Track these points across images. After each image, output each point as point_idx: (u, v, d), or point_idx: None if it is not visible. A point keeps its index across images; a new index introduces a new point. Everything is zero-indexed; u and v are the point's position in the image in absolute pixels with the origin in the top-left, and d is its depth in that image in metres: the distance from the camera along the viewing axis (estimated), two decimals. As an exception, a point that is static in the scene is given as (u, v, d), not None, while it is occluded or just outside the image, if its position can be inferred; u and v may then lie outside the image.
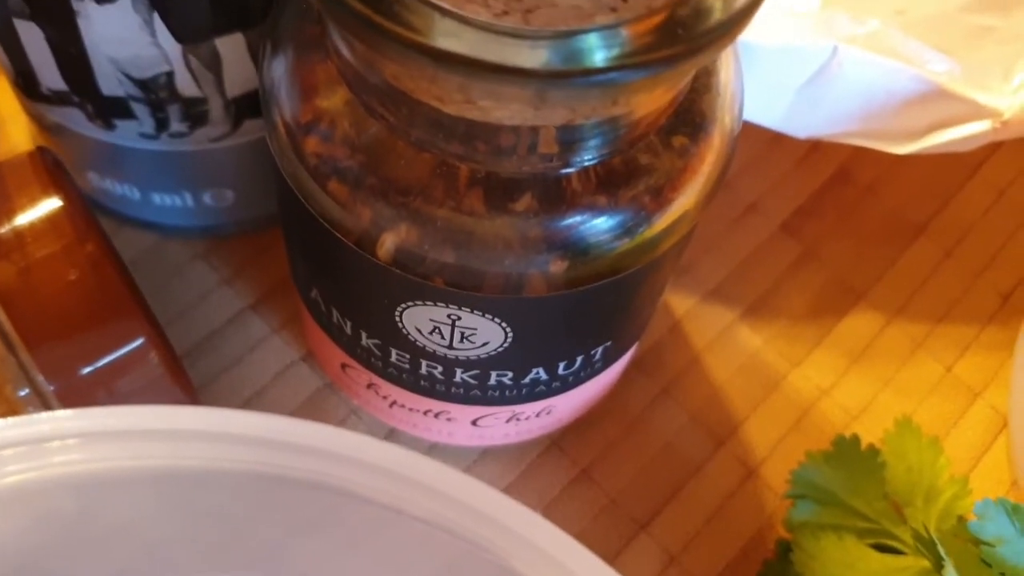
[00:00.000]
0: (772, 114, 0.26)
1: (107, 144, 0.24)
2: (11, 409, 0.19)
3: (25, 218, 0.19)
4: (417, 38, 0.14)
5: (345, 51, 0.17)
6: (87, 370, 0.19)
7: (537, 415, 0.24)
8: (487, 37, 0.14)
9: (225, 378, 0.25)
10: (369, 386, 0.24)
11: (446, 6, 0.14)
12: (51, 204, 0.20)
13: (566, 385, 0.22)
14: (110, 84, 0.22)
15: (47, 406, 0.19)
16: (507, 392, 0.22)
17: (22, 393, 0.19)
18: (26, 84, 0.23)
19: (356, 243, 0.18)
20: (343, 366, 0.24)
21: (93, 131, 0.24)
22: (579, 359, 0.21)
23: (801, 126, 0.26)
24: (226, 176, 0.25)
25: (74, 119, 0.24)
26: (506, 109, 0.16)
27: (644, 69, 0.14)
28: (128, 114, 0.23)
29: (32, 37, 0.21)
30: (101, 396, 0.19)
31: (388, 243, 0.18)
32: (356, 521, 0.17)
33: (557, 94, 0.15)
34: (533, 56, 0.14)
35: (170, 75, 0.22)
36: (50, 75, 0.22)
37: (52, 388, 0.19)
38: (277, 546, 0.19)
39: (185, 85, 0.22)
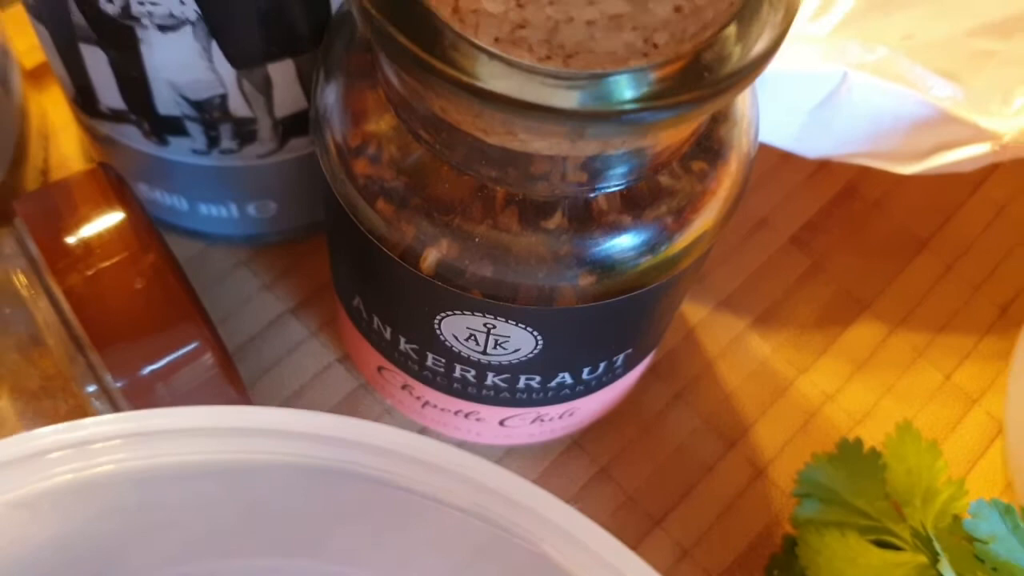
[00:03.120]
0: (785, 135, 0.27)
1: (159, 158, 0.26)
2: (79, 404, 0.21)
3: (93, 230, 0.21)
4: (468, 80, 0.16)
5: (395, 83, 0.19)
6: (149, 369, 0.21)
7: (560, 416, 0.25)
8: (531, 79, 0.16)
9: (267, 378, 0.27)
10: (403, 387, 0.25)
11: (494, 50, 0.16)
12: (116, 217, 0.21)
13: (589, 389, 0.24)
14: (167, 105, 0.24)
15: (112, 403, 0.21)
16: (534, 395, 0.24)
17: (90, 390, 0.21)
18: (84, 102, 0.25)
19: (401, 256, 0.20)
20: (379, 368, 0.25)
21: (147, 146, 0.25)
22: (602, 365, 0.23)
23: (812, 147, 0.27)
24: (270, 189, 0.27)
25: (129, 135, 0.25)
26: (544, 141, 0.17)
27: (672, 109, 0.16)
28: (182, 132, 0.24)
29: (96, 60, 0.23)
30: (161, 393, 0.21)
31: (431, 257, 0.20)
32: (392, 510, 0.19)
33: (592, 130, 0.16)
34: (572, 97, 0.16)
35: (224, 97, 0.23)
36: (110, 95, 0.24)
37: (118, 386, 0.21)
38: (317, 534, 0.21)
39: (237, 106, 0.24)
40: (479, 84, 0.15)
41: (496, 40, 0.16)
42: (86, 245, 0.21)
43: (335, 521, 0.20)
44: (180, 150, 0.25)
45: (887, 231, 0.31)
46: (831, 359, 0.29)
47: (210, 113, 0.24)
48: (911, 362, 0.29)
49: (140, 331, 0.21)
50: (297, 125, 0.25)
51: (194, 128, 0.24)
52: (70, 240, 0.21)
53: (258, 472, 0.18)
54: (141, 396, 0.21)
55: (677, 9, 0.15)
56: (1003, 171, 0.32)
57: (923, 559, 0.25)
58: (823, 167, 0.32)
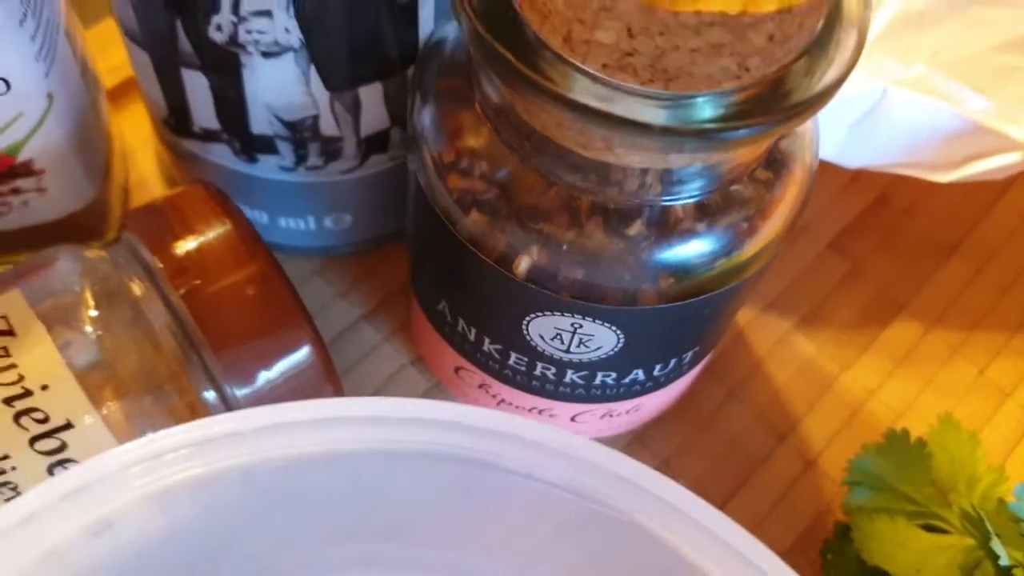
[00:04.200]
0: (828, 147, 0.29)
1: (246, 175, 0.27)
2: (193, 404, 0.22)
3: (205, 242, 0.23)
4: (579, 99, 0.17)
5: (495, 101, 0.20)
6: (261, 370, 0.22)
7: (627, 412, 0.27)
8: (633, 100, 0.17)
9: (345, 380, 0.29)
10: (480, 386, 0.27)
11: (601, 75, 0.17)
12: (224, 229, 0.23)
13: (657, 385, 0.26)
14: (261, 125, 0.25)
15: (225, 402, 0.22)
16: (608, 391, 0.25)
17: (204, 390, 0.22)
18: (178, 123, 0.27)
19: (496, 262, 0.22)
20: (456, 369, 0.27)
21: (236, 164, 0.27)
22: (672, 362, 0.25)
23: (854, 158, 0.29)
24: (347, 203, 0.29)
25: (218, 153, 0.27)
26: (639, 155, 0.19)
27: (759, 126, 0.18)
28: (272, 150, 0.26)
29: (196, 84, 0.25)
30: (271, 392, 0.22)
31: (523, 263, 0.22)
32: (486, 489, 0.20)
33: (688, 146, 0.18)
34: (669, 115, 0.17)
35: (315, 118, 0.25)
36: (205, 116, 0.26)
37: (231, 388, 0.22)
38: (410, 517, 0.22)
39: (327, 126, 0.25)
40: (594, 105, 0.17)
41: (604, 66, 0.17)
42: (199, 254, 0.22)
43: (427, 505, 0.21)
44: (268, 167, 0.27)
45: (919, 236, 0.33)
46: (872, 356, 0.31)
47: (301, 133, 0.25)
48: (947, 359, 0.31)
49: (252, 334, 0.22)
50: (378, 143, 0.27)
51: (284, 146, 0.26)
52: (184, 250, 0.22)
53: (359, 458, 0.19)
54: (252, 395, 0.22)
55: (770, 38, 0.17)
56: (1026, 178, 0.34)
57: (969, 541, 0.26)
58: (857, 177, 0.34)
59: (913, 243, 0.33)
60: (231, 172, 0.27)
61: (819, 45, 0.18)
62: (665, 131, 0.18)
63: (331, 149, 0.26)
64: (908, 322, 0.32)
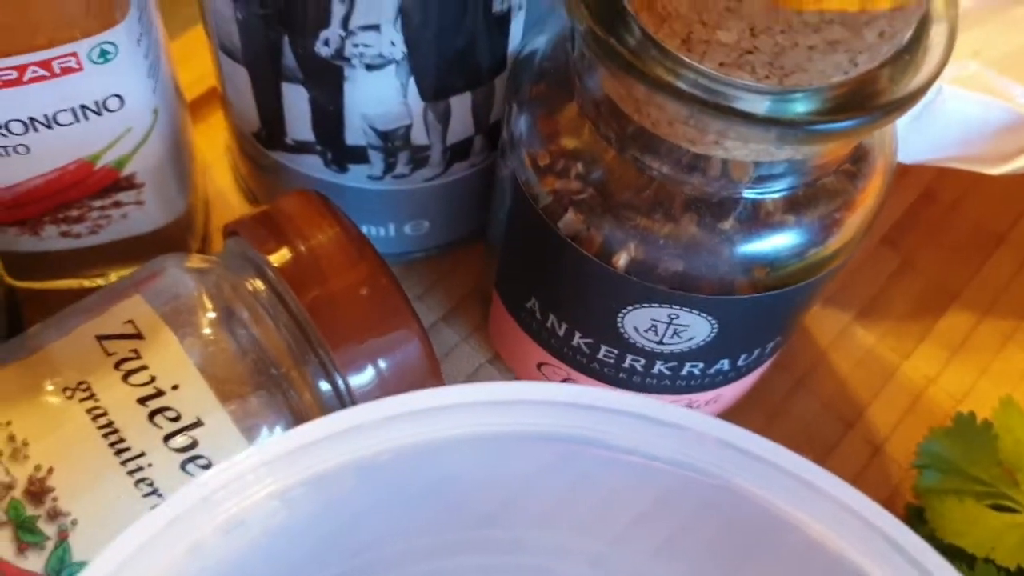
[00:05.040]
0: (886, 144, 0.30)
1: (334, 185, 0.28)
2: (310, 400, 0.23)
3: (317, 244, 0.24)
4: (701, 96, 0.19)
5: (597, 99, 0.22)
6: (375, 365, 0.23)
7: (707, 403, 0.28)
8: (752, 96, 0.19)
9: (429, 381, 0.30)
10: (564, 380, 0.28)
11: (719, 73, 0.19)
12: (334, 231, 0.24)
13: (738, 375, 0.27)
14: (356, 135, 0.26)
15: (339, 397, 0.23)
16: (692, 382, 0.26)
17: (322, 388, 0.23)
18: (269, 135, 0.28)
19: (596, 256, 0.23)
20: (540, 365, 0.28)
21: (325, 174, 0.28)
22: (756, 352, 0.26)
23: (910, 153, 0.31)
24: (427, 210, 0.30)
25: (308, 164, 0.28)
26: (747, 149, 0.20)
27: (869, 116, 0.19)
28: (363, 160, 0.27)
29: (295, 97, 0.26)
30: (383, 385, 0.23)
31: (623, 258, 0.23)
32: (589, 466, 0.21)
33: (800, 138, 0.19)
34: (786, 107, 0.19)
35: (408, 127, 0.26)
36: (300, 128, 0.27)
37: (346, 383, 0.23)
38: (513, 500, 0.23)
39: (418, 135, 0.26)
40: (714, 102, 0.18)
41: (721, 64, 0.19)
42: (312, 256, 0.23)
43: (525, 486, 0.22)
44: (357, 177, 0.28)
45: (966, 228, 0.35)
46: (929, 346, 0.32)
47: (393, 142, 0.27)
48: (1001, 346, 0.32)
49: (366, 331, 0.23)
50: (462, 150, 0.28)
51: (375, 156, 0.27)
52: (297, 252, 0.23)
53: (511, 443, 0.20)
54: (366, 389, 0.23)
55: (881, 35, 0.18)
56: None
57: (1039, 517, 0.28)
58: (903, 173, 0.35)
59: (961, 235, 0.34)
60: (319, 182, 0.28)
61: (915, 42, 0.20)
62: (784, 124, 0.19)
63: (419, 157, 0.27)
64: (961, 312, 0.33)
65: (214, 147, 0.33)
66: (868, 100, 0.19)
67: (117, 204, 0.27)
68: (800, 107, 0.19)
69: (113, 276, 0.30)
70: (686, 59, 0.19)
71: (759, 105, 0.19)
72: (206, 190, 0.32)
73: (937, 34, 0.20)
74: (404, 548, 0.23)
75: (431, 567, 0.24)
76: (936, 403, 0.31)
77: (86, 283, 0.30)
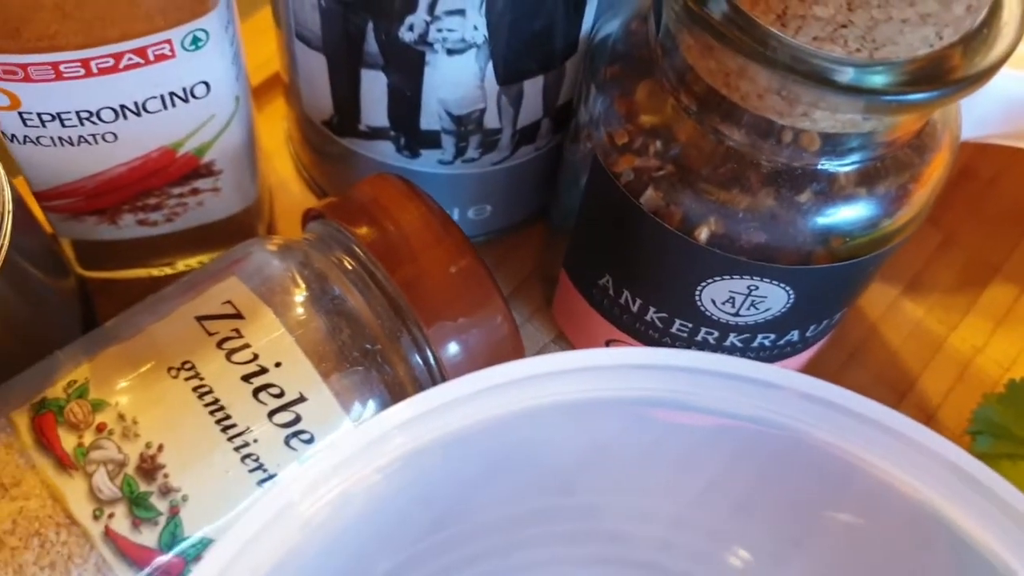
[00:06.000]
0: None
1: (404, 170, 0.29)
2: (404, 374, 0.24)
3: (408, 226, 0.24)
4: (799, 68, 0.19)
5: (680, 73, 0.22)
6: (465, 339, 0.24)
7: (771, 374, 0.29)
8: (841, 68, 0.20)
9: (496, 360, 0.30)
10: (634, 357, 0.29)
11: (811, 47, 0.19)
12: (420, 212, 0.25)
13: (805, 345, 0.28)
14: (430, 120, 0.27)
15: (430, 372, 0.24)
16: (762, 353, 0.27)
17: (414, 360, 0.24)
18: (341, 122, 0.29)
19: (679, 229, 0.24)
20: (608, 342, 0.29)
21: (397, 160, 0.29)
22: (824, 322, 0.27)
23: (957, 130, 0.31)
24: (492, 194, 0.30)
25: (379, 150, 0.29)
26: (834, 120, 0.21)
27: (954, 87, 0.20)
28: (436, 144, 0.28)
29: (373, 84, 0.26)
30: (471, 360, 0.24)
31: (704, 231, 0.24)
32: (659, 429, 0.21)
33: (889, 107, 0.20)
34: (877, 79, 0.20)
35: (482, 111, 0.27)
36: (375, 114, 0.27)
37: (438, 358, 0.24)
38: (592, 466, 0.23)
39: (491, 119, 0.27)
40: (810, 73, 0.19)
41: (814, 39, 0.19)
42: (405, 239, 0.24)
43: (619, 451, 0.22)
44: (428, 162, 0.29)
45: (1005, 203, 0.36)
46: (975, 317, 0.33)
47: (466, 126, 0.27)
48: (1044, 316, 0.34)
49: (456, 307, 0.24)
50: (530, 133, 0.28)
51: (447, 140, 0.28)
52: (387, 232, 0.24)
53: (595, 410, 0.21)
54: (457, 363, 0.24)
55: (968, 8, 0.19)
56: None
57: (1093, 478, 0.29)
58: (941, 152, 0.36)
59: (1000, 210, 0.35)
60: (389, 169, 0.29)
61: (988, 21, 0.20)
62: (874, 93, 0.20)
63: (489, 141, 0.28)
64: (1004, 284, 0.34)
65: (275, 135, 0.34)
66: (943, 76, 0.20)
67: (195, 191, 0.28)
68: (880, 80, 0.20)
69: (181, 265, 0.31)
70: (778, 33, 0.20)
71: (845, 78, 0.20)
72: (269, 178, 0.33)
73: (1010, 13, 0.21)
74: (484, 520, 0.24)
75: (510, 539, 0.24)
76: (984, 372, 0.32)
77: (155, 272, 0.31)
